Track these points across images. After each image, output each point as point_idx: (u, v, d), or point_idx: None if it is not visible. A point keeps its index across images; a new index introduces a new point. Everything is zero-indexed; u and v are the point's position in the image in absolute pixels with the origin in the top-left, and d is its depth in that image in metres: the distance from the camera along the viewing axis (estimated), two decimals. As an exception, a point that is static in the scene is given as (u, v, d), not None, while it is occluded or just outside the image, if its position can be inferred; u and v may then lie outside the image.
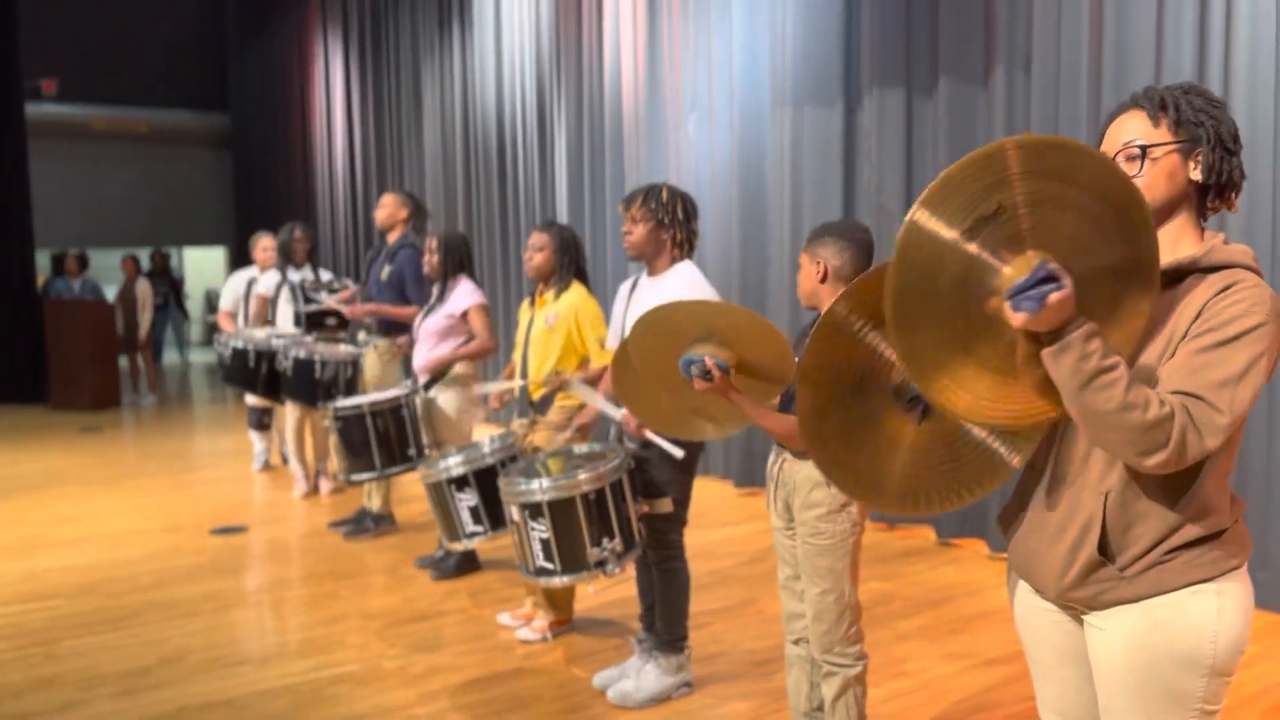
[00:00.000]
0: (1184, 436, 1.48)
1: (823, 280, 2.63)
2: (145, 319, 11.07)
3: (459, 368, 4.76)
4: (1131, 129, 1.66)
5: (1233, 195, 1.68)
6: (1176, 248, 1.66)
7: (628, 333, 2.75)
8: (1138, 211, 1.47)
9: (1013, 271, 1.46)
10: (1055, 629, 1.80)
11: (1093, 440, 1.56)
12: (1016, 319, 1.46)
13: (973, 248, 1.46)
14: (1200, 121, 1.63)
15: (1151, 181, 1.64)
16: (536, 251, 3.93)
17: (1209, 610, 1.61)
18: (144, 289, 11.11)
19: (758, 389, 2.67)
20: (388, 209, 5.48)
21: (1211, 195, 1.67)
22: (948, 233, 1.45)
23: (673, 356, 2.61)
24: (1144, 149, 1.64)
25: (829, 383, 1.71)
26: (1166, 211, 1.66)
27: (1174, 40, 4.08)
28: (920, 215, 1.44)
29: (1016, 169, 1.42)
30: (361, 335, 5.62)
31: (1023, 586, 1.84)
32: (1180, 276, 1.64)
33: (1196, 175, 1.64)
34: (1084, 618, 1.74)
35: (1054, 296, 1.43)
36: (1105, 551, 1.66)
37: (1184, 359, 1.55)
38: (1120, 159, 1.66)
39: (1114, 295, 1.52)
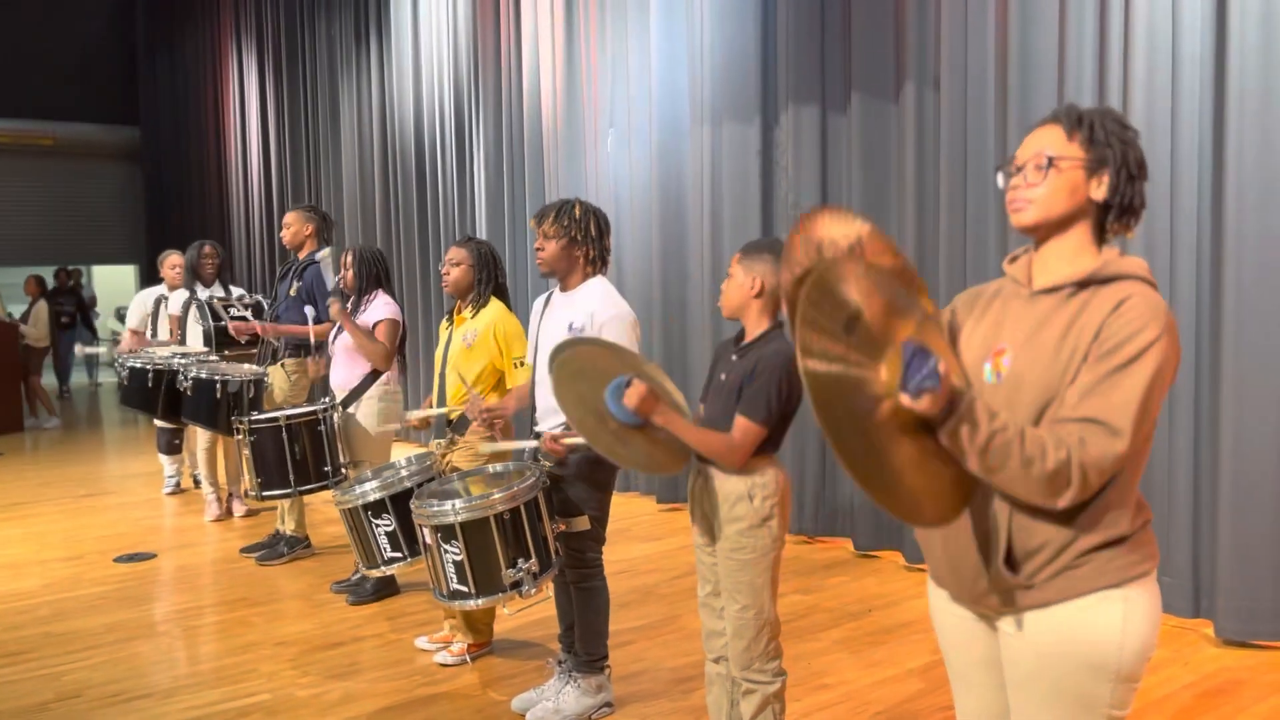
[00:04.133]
0: (1084, 473, 1.54)
1: (757, 295, 2.64)
2: (38, 336, 10.74)
3: (382, 384, 4.65)
4: (1046, 140, 1.70)
5: (1131, 221, 1.71)
6: (1075, 262, 1.70)
7: (549, 375, 2.72)
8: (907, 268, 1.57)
9: (888, 372, 1.49)
10: (971, 635, 1.82)
11: (1005, 493, 1.61)
12: (923, 404, 1.49)
13: (853, 366, 1.50)
14: (1111, 144, 1.67)
15: (1053, 192, 1.67)
16: (454, 266, 3.87)
17: (1115, 616, 1.64)
18: (40, 309, 10.79)
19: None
20: (293, 228, 5.36)
21: (1111, 216, 1.70)
22: (834, 360, 1.49)
23: (598, 390, 2.61)
24: (1051, 159, 1.67)
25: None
26: (1064, 224, 1.70)
27: (1075, 61, 4.20)
28: (811, 363, 1.47)
29: (846, 285, 1.51)
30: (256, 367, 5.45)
31: (940, 594, 1.85)
32: (1078, 289, 1.67)
33: (1098, 194, 1.68)
34: (997, 624, 1.75)
35: (942, 367, 1.46)
36: (1014, 557, 1.67)
37: (1087, 381, 1.59)
38: (1030, 167, 1.69)
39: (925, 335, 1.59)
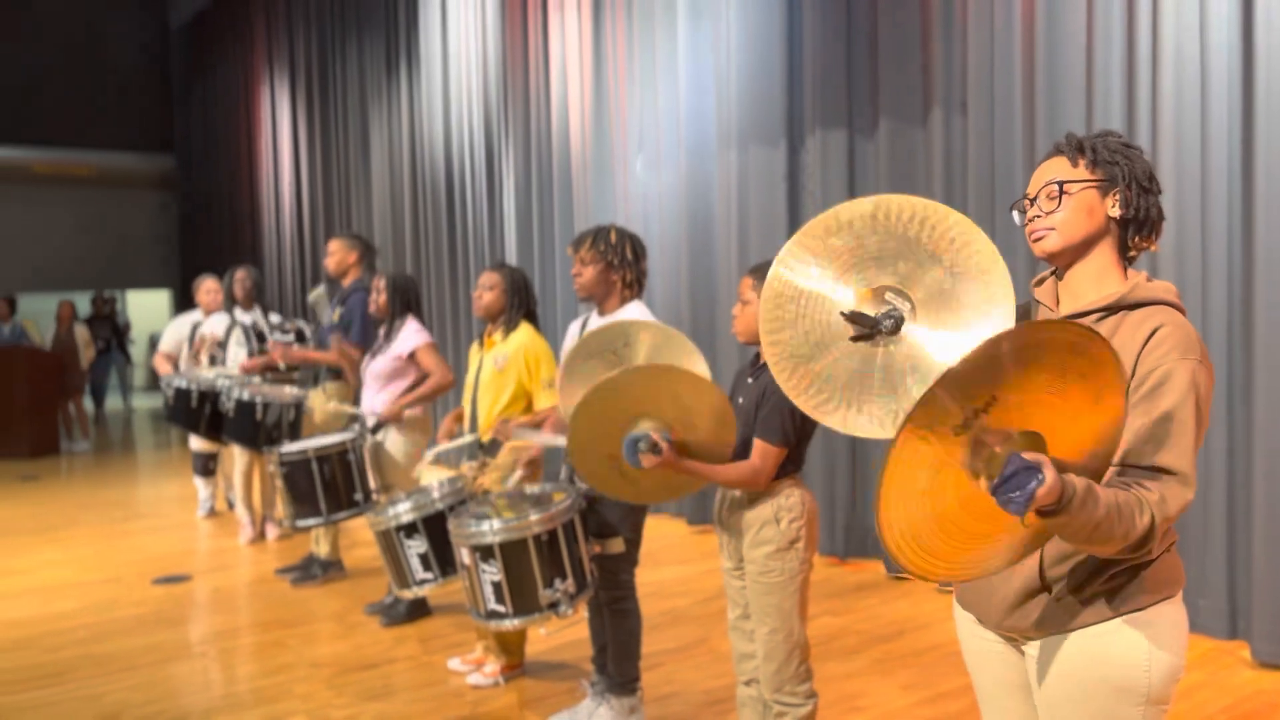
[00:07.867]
0: (1164, 527, 1.54)
1: None
2: (86, 360, 10.98)
3: (410, 410, 4.72)
4: (1053, 171, 1.73)
5: (1153, 234, 1.73)
6: (1101, 284, 1.71)
7: (570, 416, 2.66)
8: (1109, 362, 1.41)
9: (1002, 452, 1.40)
10: (998, 660, 1.83)
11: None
12: (1010, 515, 1.40)
13: (964, 439, 1.39)
14: (1115, 161, 1.70)
15: (1071, 216, 1.70)
16: (487, 290, 3.93)
17: (1142, 640, 1.65)
18: (82, 333, 11.03)
19: (704, 452, 2.67)
20: (337, 255, 5.45)
21: (1131, 232, 1.72)
22: (943, 429, 1.38)
23: (615, 436, 2.62)
24: (1061, 185, 1.70)
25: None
26: (1087, 246, 1.72)
27: (1103, 83, 4.22)
28: (910, 435, 1.36)
29: (1009, 362, 1.36)
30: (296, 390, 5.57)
31: (967, 618, 1.86)
32: (1106, 314, 1.69)
33: (1115, 211, 1.70)
34: (1024, 648, 1.76)
35: (1040, 492, 1.36)
36: (1043, 582, 1.69)
37: (1145, 427, 1.58)
38: (1042, 197, 1.72)
39: (1094, 423, 1.47)
